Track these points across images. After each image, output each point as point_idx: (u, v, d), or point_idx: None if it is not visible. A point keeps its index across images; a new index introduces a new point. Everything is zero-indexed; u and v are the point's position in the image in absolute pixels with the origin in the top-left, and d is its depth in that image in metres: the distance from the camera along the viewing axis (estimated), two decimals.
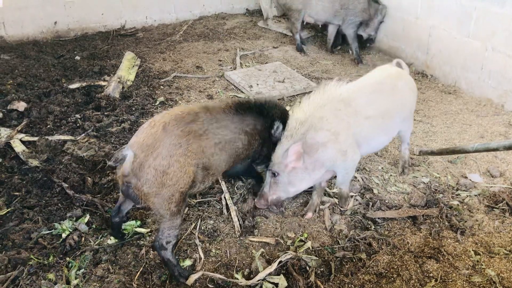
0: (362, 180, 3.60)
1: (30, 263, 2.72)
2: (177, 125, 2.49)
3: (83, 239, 2.94)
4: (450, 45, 5.28)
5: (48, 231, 2.97)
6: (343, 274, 2.71)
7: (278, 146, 2.89)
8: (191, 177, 2.53)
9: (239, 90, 5.25)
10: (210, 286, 2.64)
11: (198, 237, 3.01)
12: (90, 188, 3.39)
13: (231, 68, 5.89)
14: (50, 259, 2.76)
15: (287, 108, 3.72)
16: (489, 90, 4.90)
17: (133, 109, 4.66)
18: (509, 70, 4.60)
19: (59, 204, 3.22)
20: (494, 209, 3.29)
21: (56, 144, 3.88)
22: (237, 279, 2.67)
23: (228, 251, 2.92)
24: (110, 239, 2.93)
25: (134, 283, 2.63)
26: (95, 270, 2.69)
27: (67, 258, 2.77)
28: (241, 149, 2.82)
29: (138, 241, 2.96)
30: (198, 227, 3.09)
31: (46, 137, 3.97)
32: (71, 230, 2.98)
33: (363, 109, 2.93)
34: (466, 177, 3.67)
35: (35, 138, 3.96)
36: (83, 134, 4.08)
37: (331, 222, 3.15)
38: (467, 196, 3.43)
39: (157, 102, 4.83)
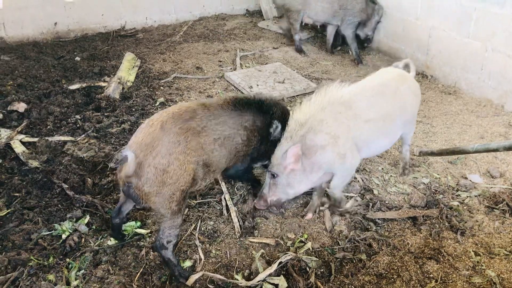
0: (362, 180, 3.60)
1: (30, 264, 2.72)
2: (175, 123, 2.49)
3: (83, 240, 2.94)
4: (450, 46, 5.28)
5: (48, 232, 2.97)
6: (343, 275, 2.71)
7: (277, 147, 2.89)
8: (191, 175, 2.53)
9: (239, 91, 5.25)
10: (210, 286, 2.64)
11: (198, 238, 3.01)
12: (90, 189, 3.39)
13: (231, 69, 5.89)
14: (50, 260, 2.76)
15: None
16: (489, 90, 4.91)
17: (133, 110, 4.66)
18: (509, 70, 4.61)
19: (59, 205, 3.22)
20: (494, 209, 3.29)
21: (56, 145, 3.88)
22: (237, 280, 2.67)
23: (228, 252, 2.92)
24: (110, 240, 2.93)
25: (134, 284, 2.63)
26: (95, 271, 2.69)
27: (67, 259, 2.77)
28: (240, 144, 2.82)
29: (138, 242, 2.96)
30: (198, 228, 3.09)
31: (46, 138, 3.97)
32: (71, 231, 2.98)
33: (364, 112, 2.91)
34: (466, 178, 3.67)
35: (35, 139, 3.96)
36: (83, 135, 4.08)
37: (331, 223, 3.15)
38: (467, 196, 3.43)
39: (157, 103, 4.83)
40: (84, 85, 5.08)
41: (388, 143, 3.22)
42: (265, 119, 2.95)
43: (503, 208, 3.28)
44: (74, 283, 2.61)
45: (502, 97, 4.77)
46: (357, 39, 6.32)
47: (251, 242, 2.99)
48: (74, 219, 3.08)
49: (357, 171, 3.66)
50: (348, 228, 3.11)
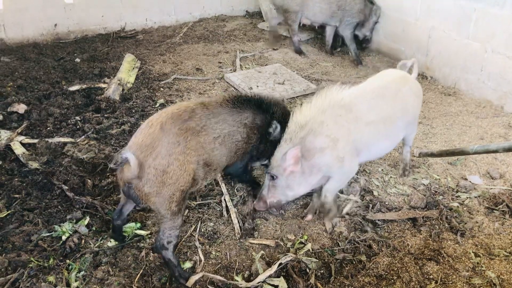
0: (361, 181, 3.60)
1: (30, 265, 2.72)
2: (174, 123, 2.50)
3: (83, 241, 2.94)
4: (449, 47, 5.29)
5: (48, 234, 2.97)
6: (343, 276, 2.71)
7: (277, 149, 2.89)
8: (191, 175, 2.53)
9: (239, 92, 5.25)
10: None
11: (198, 239, 3.01)
12: (90, 190, 3.39)
13: (231, 70, 5.89)
14: (50, 262, 2.76)
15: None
16: (488, 91, 4.91)
17: (133, 111, 4.67)
18: (508, 71, 4.61)
19: (59, 206, 3.22)
20: (494, 210, 3.29)
21: (56, 146, 3.88)
22: (237, 281, 2.67)
23: (228, 253, 2.92)
24: (110, 241, 2.93)
25: (134, 285, 2.63)
26: (95, 273, 2.69)
27: (67, 261, 2.77)
28: (240, 142, 2.83)
29: (138, 243, 2.96)
30: (198, 229, 3.09)
31: (46, 139, 3.97)
32: (71, 232, 2.98)
33: (364, 115, 2.90)
34: (466, 179, 3.67)
35: (35, 140, 3.96)
36: (83, 136, 4.08)
37: (331, 224, 3.15)
38: (467, 198, 3.43)
39: (157, 104, 4.83)
40: (84, 86, 5.09)
41: (389, 145, 3.20)
42: (265, 118, 2.95)
43: (503, 209, 3.28)
44: (74, 284, 2.61)
45: (502, 98, 4.77)
46: (356, 40, 6.34)
47: (251, 243, 2.99)
48: (74, 221, 3.08)
49: (357, 172, 3.66)
50: (348, 229, 3.11)
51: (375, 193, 3.48)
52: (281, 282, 2.63)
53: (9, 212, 3.14)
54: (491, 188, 3.54)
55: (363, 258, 2.84)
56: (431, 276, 2.70)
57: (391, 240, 2.99)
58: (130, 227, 3.05)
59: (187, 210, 3.25)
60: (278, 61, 6.22)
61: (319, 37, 7.15)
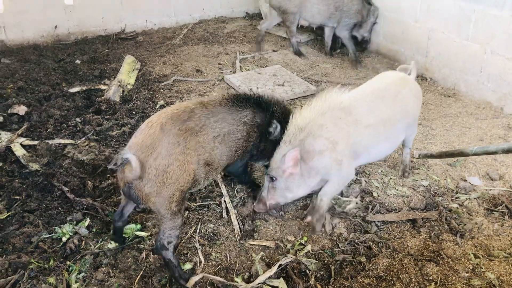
0: (363, 183, 3.60)
1: (31, 267, 2.72)
2: (174, 124, 2.51)
3: (83, 242, 2.94)
4: (449, 48, 5.29)
5: (49, 235, 2.98)
6: (343, 278, 2.71)
7: (276, 150, 2.90)
8: (191, 175, 2.54)
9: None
10: None
11: (198, 240, 3.02)
12: (91, 192, 3.40)
13: (231, 71, 5.90)
14: (50, 263, 2.77)
15: None
16: (488, 93, 4.92)
17: (134, 112, 4.67)
18: (508, 73, 4.62)
19: (60, 208, 3.23)
20: (493, 212, 3.29)
21: (56, 148, 3.89)
22: (237, 282, 2.68)
23: (228, 254, 2.92)
24: (111, 242, 2.94)
25: (134, 286, 2.64)
26: (96, 274, 2.70)
27: (68, 262, 2.78)
28: (240, 140, 2.83)
29: (138, 245, 2.96)
30: (198, 230, 3.10)
31: (47, 141, 3.98)
32: (71, 234, 2.99)
33: (364, 117, 2.90)
34: (465, 180, 3.68)
35: (36, 142, 3.96)
36: (84, 138, 4.09)
37: (331, 226, 3.15)
38: (467, 199, 3.44)
39: (157, 106, 4.84)
40: (84, 88, 5.09)
41: (389, 147, 3.20)
42: (265, 116, 2.96)
43: (502, 210, 3.29)
44: (75, 286, 2.62)
45: (501, 100, 4.78)
46: (355, 41, 6.34)
47: (251, 244, 3.00)
48: (75, 222, 3.09)
49: (356, 173, 3.66)
50: (347, 230, 3.12)
51: (375, 194, 3.49)
52: (281, 283, 2.64)
53: (9, 213, 3.14)
54: (490, 190, 3.55)
55: (363, 259, 2.85)
56: (431, 277, 2.71)
57: (391, 242, 3.00)
58: (131, 229, 3.05)
59: (187, 212, 3.25)
60: (277, 62, 6.23)
61: (318, 38, 7.16)
